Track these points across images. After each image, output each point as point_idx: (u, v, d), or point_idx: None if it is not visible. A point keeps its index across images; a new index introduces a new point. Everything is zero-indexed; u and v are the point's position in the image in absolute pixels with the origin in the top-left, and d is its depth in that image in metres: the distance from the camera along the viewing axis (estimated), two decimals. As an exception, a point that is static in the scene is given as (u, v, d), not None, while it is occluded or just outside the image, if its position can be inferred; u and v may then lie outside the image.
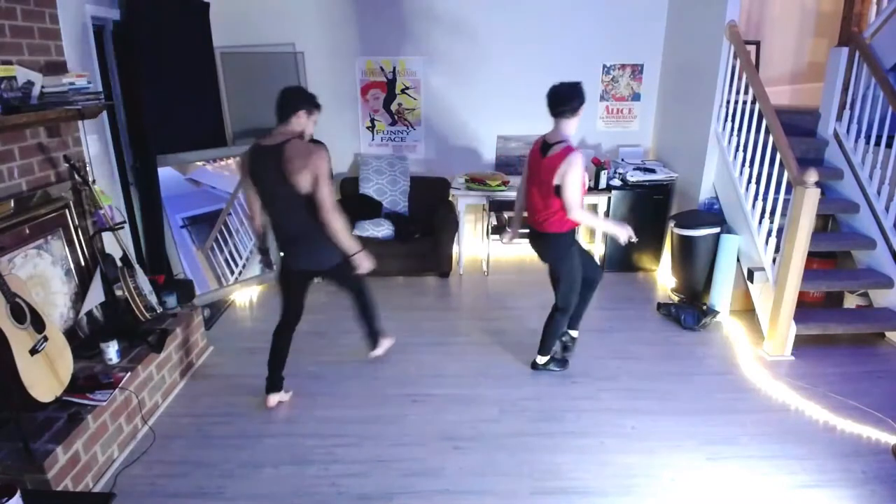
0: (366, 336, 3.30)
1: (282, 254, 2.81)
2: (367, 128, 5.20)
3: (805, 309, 3.65)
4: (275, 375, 2.98)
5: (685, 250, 4.12)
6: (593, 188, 4.80)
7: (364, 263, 2.78)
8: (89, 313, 2.92)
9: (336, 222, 2.59)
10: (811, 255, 3.46)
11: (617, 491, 2.43)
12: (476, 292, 4.64)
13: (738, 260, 3.94)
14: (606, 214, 4.83)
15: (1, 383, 2.17)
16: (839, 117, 4.13)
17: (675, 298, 4.28)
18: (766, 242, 3.63)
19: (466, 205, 4.86)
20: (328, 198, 2.55)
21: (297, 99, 2.60)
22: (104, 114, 3.35)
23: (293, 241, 2.72)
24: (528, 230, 3.16)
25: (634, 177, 4.69)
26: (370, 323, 3.26)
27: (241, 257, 4.26)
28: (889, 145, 3.74)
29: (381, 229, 4.67)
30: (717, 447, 2.70)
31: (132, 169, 3.87)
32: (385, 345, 3.36)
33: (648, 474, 2.53)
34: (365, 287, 3.12)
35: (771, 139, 3.60)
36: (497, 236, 4.84)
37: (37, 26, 2.83)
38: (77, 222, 3.01)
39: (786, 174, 3.48)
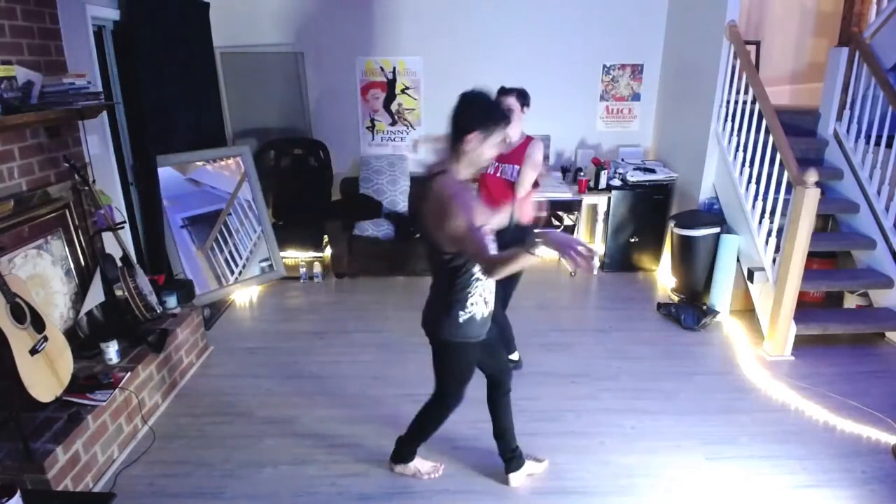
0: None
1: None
2: (367, 128, 5.20)
3: (805, 309, 3.64)
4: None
5: (685, 250, 4.12)
6: (594, 188, 4.81)
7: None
8: (89, 313, 2.92)
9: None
10: (811, 255, 3.46)
11: (617, 491, 2.43)
12: (476, 292, 4.62)
13: (738, 260, 3.94)
14: (607, 214, 4.83)
15: (1, 383, 2.17)
16: (839, 117, 4.13)
17: (675, 298, 4.28)
18: (766, 242, 3.63)
19: (466, 205, 4.85)
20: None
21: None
22: (104, 114, 3.34)
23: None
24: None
25: (634, 177, 4.69)
26: (415, 438, 2.50)
27: (241, 257, 4.26)
28: (889, 145, 3.74)
29: (381, 229, 4.67)
30: (716, 447, 2.70)
31: (132, 169, 3.87)
32: (418, 469, 2.55)
33: (648, 474, 2.53)
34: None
35: (771, 139, 3.60)
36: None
37: (37, 26, 2.83)
38: (77, 222, 3.01)
39: (786, 174, 3.48)
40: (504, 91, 2.96)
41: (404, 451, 2.49)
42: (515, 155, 2.94)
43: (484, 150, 1.90)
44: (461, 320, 2.08)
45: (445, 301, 2.08)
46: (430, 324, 2.20)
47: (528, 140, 2.96)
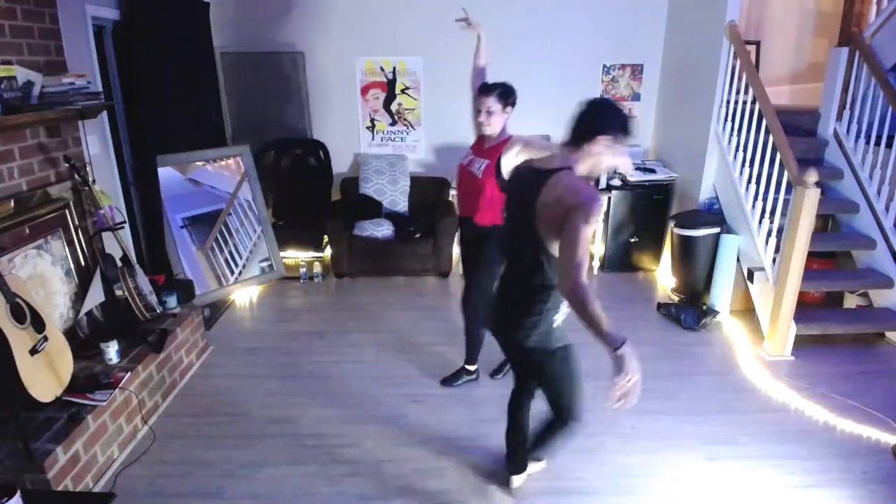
0: (508, 459, 2.44)
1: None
2: (367, 128, 5.20)
3: (805, 309, 3.64)
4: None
5: (685, 250, 4.12)
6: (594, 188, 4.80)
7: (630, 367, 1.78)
8: (89, 313, 2.92)
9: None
10: (811, 255, 3.46)
11: (617, 491, 2.43)
12: (476, 292, 4.62)
13: (738, 260, 3.94)
14: (606, 214, 4.83)
15: (1, 383, 2.17)
16: (839, 117, 4.13)
17: (675, 298, 4.28)
18: (766, 242, 3.63)
19: (466, 205, 4.86)
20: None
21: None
22: (104, 114, 3.35)
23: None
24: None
25: (634, 177, 4.69)
26: (518, 448, 2.38)
27: (241, 257, 4.26)
28: (889, 145, 3.74)
29: (381, 229, 4.67)
30: (716, 447, 2.70)
31: (132, 169, 3.87)
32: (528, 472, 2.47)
33: (648, 474, 2.53)
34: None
35: (771, 139, 3.60)
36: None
37: (37, 26, 2.83)
38: (77, 222, 3.01)
39: (786, 174, 3.48)
40: (485, 89, 2.79)
41: (521, 458, 2.36)
42: (490, 152, 2.79)
43: (606, 156, 1.81)
44: (556, 324, 1.94)
45: (537, 303, 1.90)
46: (511, 329, 2.00)
47: (506, 140, 2.78)
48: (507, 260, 2.08)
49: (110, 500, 1.77)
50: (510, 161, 2.66)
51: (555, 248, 1.78)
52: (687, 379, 3.27)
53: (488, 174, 2.76)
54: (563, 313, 1.96)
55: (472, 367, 3.21)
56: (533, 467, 2.51)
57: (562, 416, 2.11)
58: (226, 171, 4.29)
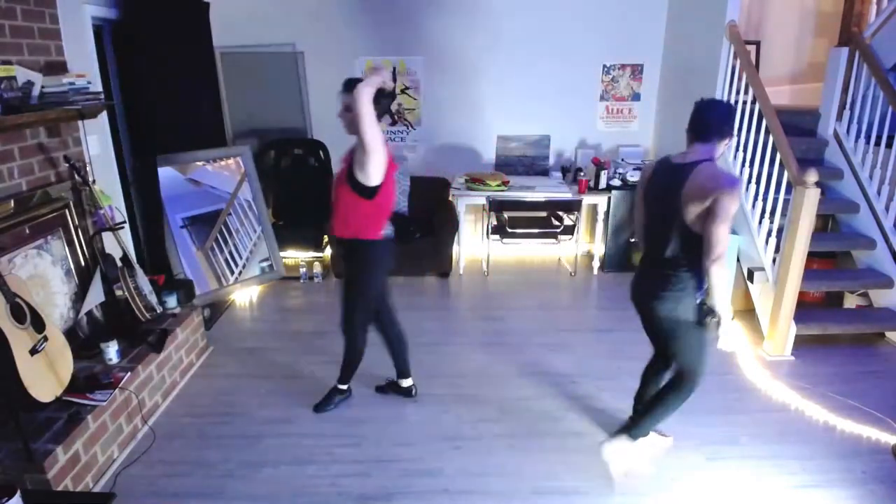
0: (623, 429, 2.55)
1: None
2: (367, 128, 5.19)
3: (805, 309, 3.64)
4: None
5: (685, 250, 4.11)
6: (594, 188, 4.80)
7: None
8: (89, 313, 2.92)
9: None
10: (811, 255, 3.46)
11: (618, 491, 2.43)
12: (476, 292, 4.63)
13: (738, 260, 3.94)
14: (607, 214, 4.83)
15: (1, 383, 2.16)
16: (839, 117, 4.13)
17: (675, 298, 4.28)
18: (766, 242, 3.63)
19: (466, 205, 4.87)
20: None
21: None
22: (104, 114, 3.34)
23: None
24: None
25: (634, 177, 4.68)
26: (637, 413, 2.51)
27: (241, 257, 4.25)
28: (889, 145, 3.74)
29: (381, 229, 4.66)
30: (717, 447, 2.70)
31: (132, 169, 3.87)
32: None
33: (649, 474, 2.53)
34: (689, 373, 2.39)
35: (771, 139, 3.60)
36: (497, 236, 4.84)
37: (37, 26, 2.82)
38: (77, 222, 3.01)
39: (786, 174, 3.48)
40: (350, 84, 2.56)
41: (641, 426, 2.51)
42: (346, 157, 2.72)
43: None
44: (689, 298, 2.24)
45: (675, 278, 2.22)
46: (652, 300, 2.30)
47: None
48: (649, 242, 2.34)
49: (110, 500, 1.77)
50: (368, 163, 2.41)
51: (696, 227, 2.09)
52: (687, 379, 3.27)
53: (341, 180, 2.57)
54: (695, 288, 2.22)
55: (343, 386, 3.05)
56: (661, 441, 2.67)
57: (684, 378, 2.39)
58: (226, 171, 4.29)
